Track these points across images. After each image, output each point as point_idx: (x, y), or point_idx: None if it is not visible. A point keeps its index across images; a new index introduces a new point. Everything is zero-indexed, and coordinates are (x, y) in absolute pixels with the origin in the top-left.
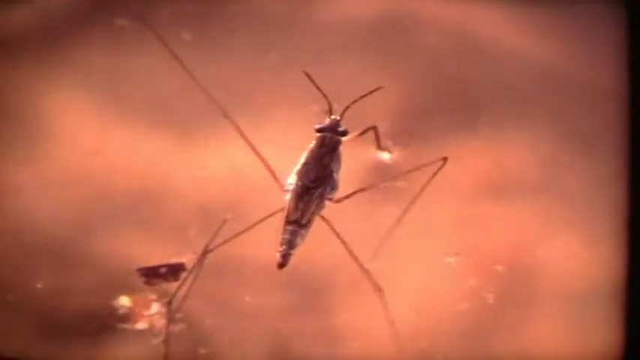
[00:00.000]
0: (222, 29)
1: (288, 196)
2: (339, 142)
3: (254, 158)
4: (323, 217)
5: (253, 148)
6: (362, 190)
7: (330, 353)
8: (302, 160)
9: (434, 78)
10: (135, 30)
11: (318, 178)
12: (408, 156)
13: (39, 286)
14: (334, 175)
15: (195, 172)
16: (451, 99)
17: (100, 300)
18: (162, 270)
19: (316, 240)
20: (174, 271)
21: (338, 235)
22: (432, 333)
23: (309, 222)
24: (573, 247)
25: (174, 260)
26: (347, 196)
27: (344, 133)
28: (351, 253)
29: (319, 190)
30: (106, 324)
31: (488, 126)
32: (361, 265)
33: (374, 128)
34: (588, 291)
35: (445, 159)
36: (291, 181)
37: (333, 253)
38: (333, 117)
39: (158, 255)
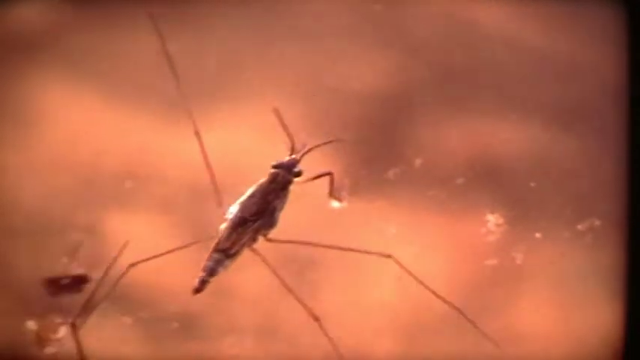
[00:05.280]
0: (210, 12)
1: (223, 225)
2: (290, 182)
3: (245, 141)
4: (254, 250)
5: (208, 165)
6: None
7: (319, 335)
8: (249, 192)
9: (429, 61)
10: (122, 13)
11: (258, 213)
12: None
13: (24, 268)
14: (275, 213)
15: (184, 155)
16: (445, 83)
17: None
18: (65, 281)
19: (309, 225)
20: (77, 282)
21: (270, 266)
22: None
23: (237, 253)
24: (569, 230)
25: (78, 272)
26: (283, 241)
27: (298, 174)
28: (285, 284)
29: (256, 224)
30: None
31: (483, 111)
32: (297, 297)
33: (330, 174)
34: (588, 272)
35: (389, 255)
36: (233, 210)
37: (323, 236)
38: (293, 156)
39: (146, 237)
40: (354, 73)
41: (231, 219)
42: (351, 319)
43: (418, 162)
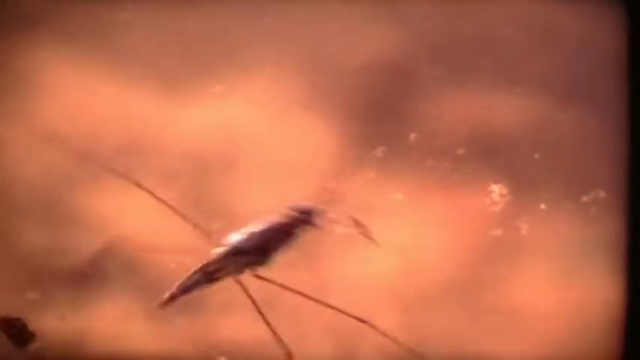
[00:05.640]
0: None
1: (217, 249)
2: (302, 228)
3: (243, 111)
4: (238, 280)
5: (172, 207)
6: None
7: (319, 311)
8: (255, 225)
9: (431, 35)
10: None
11: (257, 249)
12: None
13: (26, 242)
14: (273, 253)
15: (183, 125)
16: (447, 56)
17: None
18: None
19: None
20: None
21: (251, 298)
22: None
23: (218, 280)
24: (574, 202)
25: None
26: (270, 281)
27: (315, 225)
28: (264, 317)
29: (250, 258)
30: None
31: (486, 84)
32: (274, 331)
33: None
34: (592, 243)
35: (365, 321)
36: (233, 238)
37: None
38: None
39: (146, 208)
40: (356, 47)
41: (227, 247)
42: (352, 290)
43: (417, 134)
